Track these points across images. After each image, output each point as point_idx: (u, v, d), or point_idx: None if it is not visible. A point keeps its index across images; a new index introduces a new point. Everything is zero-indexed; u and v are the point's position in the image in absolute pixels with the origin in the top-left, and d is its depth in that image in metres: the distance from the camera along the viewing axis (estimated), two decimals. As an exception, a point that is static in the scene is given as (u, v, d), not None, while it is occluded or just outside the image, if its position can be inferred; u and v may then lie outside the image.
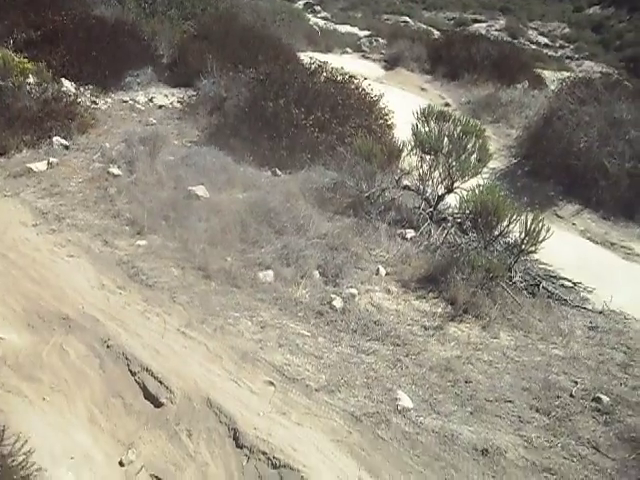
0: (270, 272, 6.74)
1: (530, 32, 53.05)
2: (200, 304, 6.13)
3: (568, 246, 9.34)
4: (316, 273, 6.84)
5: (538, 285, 7.44)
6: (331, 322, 6.11)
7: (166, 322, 5.82)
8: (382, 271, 7.17)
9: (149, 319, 5.85)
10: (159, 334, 5.64)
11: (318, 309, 6.27)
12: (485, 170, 11.07)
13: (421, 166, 8.69)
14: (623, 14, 60.80)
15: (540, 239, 6.88)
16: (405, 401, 5.12)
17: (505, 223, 7.12)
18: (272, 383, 5.17)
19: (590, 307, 7.45)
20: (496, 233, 7.24)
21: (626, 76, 35.67)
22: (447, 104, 16.54)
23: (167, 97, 12.77)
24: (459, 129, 8.30)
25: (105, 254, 6.86)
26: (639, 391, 5.78)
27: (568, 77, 16.39)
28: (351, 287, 6.72)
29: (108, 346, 5.40)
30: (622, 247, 9.94)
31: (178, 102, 12.54)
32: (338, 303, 6.34)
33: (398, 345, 5.92)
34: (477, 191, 7.21)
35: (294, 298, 6.42)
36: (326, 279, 6.82)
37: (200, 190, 8.13)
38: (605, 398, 5.53)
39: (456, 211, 8.21)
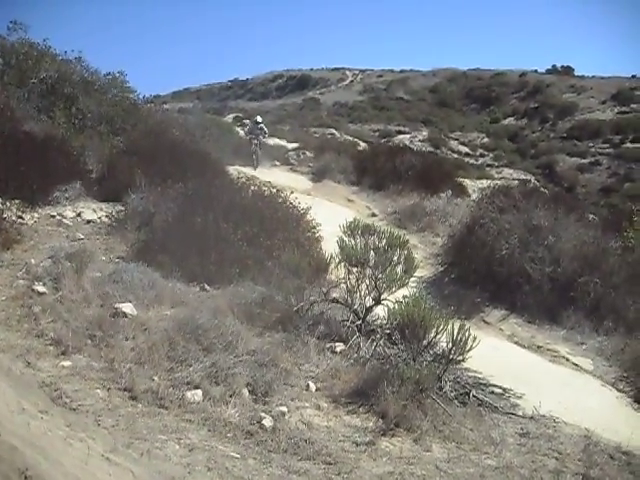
0: (199, 391, 6.60)
1: (452, 142, 55.34)
2: (126, 427, 5.92)
3: (496, 352, 9.48)
4: (245, 391, 6.73)
5: (468, 394, 7.47)
6: (261, 442, 5.97)
7: (90, 448, 5.57)
8: (312, 387, 7.11)
9: (72, 445, 5.59)
10: (82, 461, 5.40)
11: (248, 429, 6.13)
12: (413, 279, 11.24)
13: (349, 279, 8.77)
14: (535, 125, 64.29)
15: (467, 348, 6.96)
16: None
17: (432, 334, 7.19)
18: (200, 510, 4.98)
19: (520, 413, 7.51)
20: (424, 344, 7.30)
21: (543, 182, 37.48)
22: (374, 214, 16.95)
23: (95, 212, 12.71)
24: (384, 241, 8.47)
25: (27, 376, 6.61)
26: (573, 499, 5.78)
27: (488, 186, 17.05)
28: (281, 405, 6.62)
29: (26, 477, 5.13)
30: (548, 350, 10.14)
31: (106, 217, 12.49)
32: (268, 422, 6.22)
33: (330, 463, 5.80)
34: (403, 303, 7.29)
35: (223, 418, 6.27)
36: (255, 397, 6.71)
37: (127, 307, 8.01)
38: (539, 508, 5.51)
39: (385, 322, 8.26)
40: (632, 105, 63.09)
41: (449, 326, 7.10)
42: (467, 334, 6.95)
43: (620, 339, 10.32)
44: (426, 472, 5.92)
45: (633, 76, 71.82)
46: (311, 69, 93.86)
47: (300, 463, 5.76)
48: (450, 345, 7.05)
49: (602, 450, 6.81)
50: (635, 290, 11.03)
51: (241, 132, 31.71)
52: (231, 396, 6.62)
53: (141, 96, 20.92)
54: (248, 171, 19.23)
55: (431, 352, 7.58)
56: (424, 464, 6.06)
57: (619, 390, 9.19)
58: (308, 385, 7.13)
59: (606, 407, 8.52)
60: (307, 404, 6.82)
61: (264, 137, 23.96)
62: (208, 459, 5.60)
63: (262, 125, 23.92)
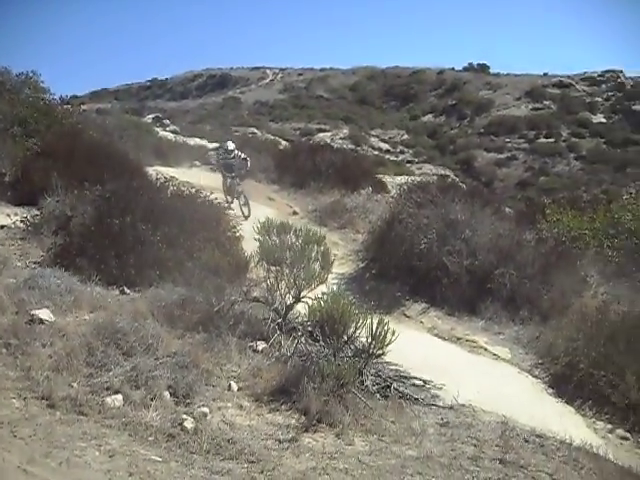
0: (119, 396, 6.51)
1: (372, 139, 55.98)
2: (44, 437, 5.79)
3: (417, 345, 9.65)
4: (166, 394, 6.67)
5: (390, 387, 7.59)
6: (183, 444, 5.93)
7: (5, 460, 5.44)
8: (234, 386, 7.10)
9: (-15, 459, 5.46)
10: (-3, 475, 5.27)
11: (169, 432, 6.08)
12: (334, 275, 11.41)
13: (268, 277, 8.79)
14: (453, 121, 65.67)
15: (387, 342, 7.07)
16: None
17: (352, 329, 7.28)
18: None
19: (441, 403, 7.69)
20: (344, 339, 7.38)
21: (462, 177, 38.29)
22: (295, 212, 17.01)
23: (9, 217, 12.31)
24: (301, 239, 8.52)
25: (-64, 390, 6.41)
26: (490, 482, 5.93)
27: (406, 182, 17.32)
28: (203, 406, 6.59)
29: None
30: (467, 341, 10.39)
31: (21, 222, 12.10)
32: (189, 424, 6.19)
33: (253, 462, 5.81)
34: (322, 299, 7.35)
35: (144, 422, 6.19)
36: (177, 399, 6.66)
37: (44, 314, 7.81)
38: (463, 493, 5.63)
39: (306, 320, 8.31)
40: (545, 102, 65.17)
41: (368, 321, 7.20)
42: (386, 328, 7.06)
43: (535, 328, 10.64)
44: (348, 466, 5.99)
45: (545, 74, 74.08)
46: (231, 68, 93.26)
47: (222, 463, 5.75)
48: (370, 340, 7.16)
49: (518, 435, 7.03)
50: (548, 280, 11.39)
51: (161, 132, 31.36)
52: (152, 399, 6.55)
53: (57, 96, 20.36)
54: (168, 171, 18.99)
55: (352, 347, 7.67)
56: (346, 458, 6.13)
57: (535, 376, 9.51)
58: (230, 385, 7.12)
59: (522, 393, 8.80)
60: (229, 404, 6.81)
61: (246, 170, 17.46)
62: (129, 464, 5.53)
63: (237, 152, 17.49)
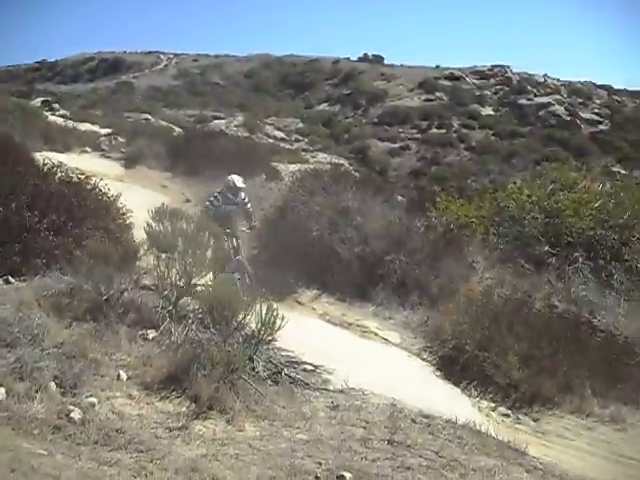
0: (1, 389, 6.29)
1: (267, 127, 55.81)
2: None
3: (309, 330, 9.78)
4: (53, 385, 6.48)
5: (280, 372, 7.65)
6: (69, 436, 5.78)
7: None
8: (123, 376, 6.98)
9: None
10: None
11: (55, 424, 5.91)
12: (228, 263, 11.33)
13: (158, 265, 8.68)
14: (348, 111, 66.43)
15: (276, 328, 7.12)
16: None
17: (241, 316, 7.29)
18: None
19: (331, 388, 7.80)
20: (234, 326, 7.38)
21: (356, 166, 38.78)
22: (188, 200, 16.85)
23: None
24: (192, 226, 8.46)
25: None
26: (378, 463, 6.06)
27: (298, 170, 17.41)
28: (91, 396, 6.44)
29: None
30: (358, 326, 10.60)
31: None
32: (77, 415, 6.04)
33: (142, 451, 5.73)
34: (211, 286, 7.34)
35: (28, 415, 6.00)
36: (64, 390, 6.48)
37: None
38: (348, 475, 5.72)
39: (197, 307, 8.26)
40: (437, 93, 66.85)
41: (258, 307, 7.23)
42: (275, 314, 7.11)
43: (424, 312, 10.99)
44: (239, 451, 6.01)
45: (437, 66, 75.97)
46: (124, 52, 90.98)
47: (111, 454, 5.64)
48: (259, 326, 7.19)
49: (406, 416, 7.23)
50: (437, 266, 11.74)
51: (50, 117, 30.21)
52: (37, 391, 6.35)
53: None
54: (57, 156, 18.36)
55: (242, 334, 7.68)
56: (237, 444, 6.15)
57: (423, 360, 9.83)
58: (119, 374, 6.99)
59: (411, 376, 9.07)
60: (118, 394, 6.69)
61: (251, 225, 12.18)
62: (11, 459, 5.34)
63: (244, 196, 11.96)
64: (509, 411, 8.72)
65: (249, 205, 11.99)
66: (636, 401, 9.20)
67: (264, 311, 7.16)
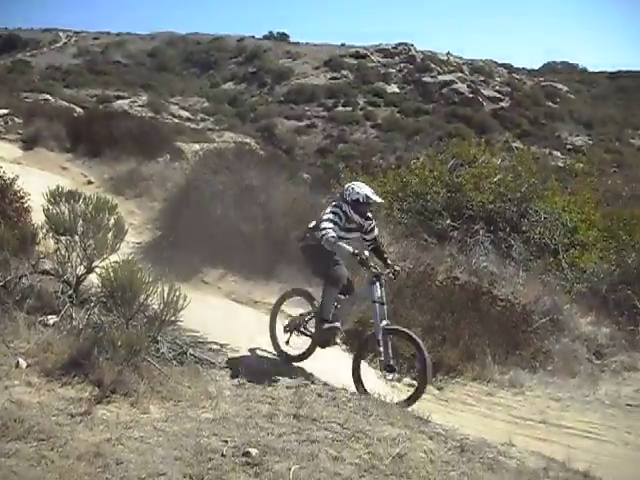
0: None
1: (172, 107, 54.95)
2: None
3: (216, 310, 9.75)
4: (-55, 376, 6.27)
5: (186, 353, 7.60)
6: (-36, 429, 5.60)
7: None
8: (22, 363, 6.76)
9: None
10: None
11: (-52, 416, 5.72)
12: (131, 245, 11.19)
13: (58, 249, 8.45)
14: (254, 89, 66.06)
15: (179, 308, 7.05)
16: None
17: (143, 297, 7.18)
18: None
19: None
20: (136, 308, 7.26)
21: (263, 144, 38.64)
22: (90, 182, 16.45)
23: None
24: (91, 207, 8.25)
25: None
26: (284, 437, 6.09)
27: (201, 149, 17.25)
28: (-14, 386, 6.25)
29: None
30: (264, 303, 10.62)
31: None
32: (-29, 406, 5.85)
33: (42, 440, 5.58)
34: (111, 268, 7.19)
35: None
36: (-43, 381, 6.28)
37: None
38: (254, 451, 5.72)
39: (99, 290, 8.09)
40: (342, 71, 67.12)
41: (160, 288, 7.14)
42: (178, 294, 7.04)
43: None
44: (144, 434, 5.94)
45: (342, 44, 76.28)
46: (19, 29, 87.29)
47: (10, 444, 5.46)
48: (162, 306, 7.11)
49: (312, 390, 7.29)
50: (342, 241, 11.84)
51: None
52: None
53: None
54: None
55: (145, 315, 7.57)
56: (142, 426, 6.07)
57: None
58: (18, 362, 6.76)
59: (318, 351, 9.14)
60: (17, 382, 6.47)
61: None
62: None
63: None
64: (414, 381, 8.91)
65: (376, 231, 8.36)
66: (533, 366, 9.63)
67: (166, 292, 7.07)
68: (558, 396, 9.02)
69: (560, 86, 71.43)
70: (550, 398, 8.96)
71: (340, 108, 59.76)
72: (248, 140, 37.38)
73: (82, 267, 8.38)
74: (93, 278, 8.42)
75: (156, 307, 7.30)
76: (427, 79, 66.97)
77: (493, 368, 9.35)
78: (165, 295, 7.03)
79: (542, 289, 11.70)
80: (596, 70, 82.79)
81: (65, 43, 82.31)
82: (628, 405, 8.86)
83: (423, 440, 6.41)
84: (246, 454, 5.68)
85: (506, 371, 9.39)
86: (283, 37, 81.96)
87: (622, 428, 8.18)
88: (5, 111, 25.81)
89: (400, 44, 74.42)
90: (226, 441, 5.91)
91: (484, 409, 8.46)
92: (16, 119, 24.30)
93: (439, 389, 8.93)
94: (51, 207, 8.39)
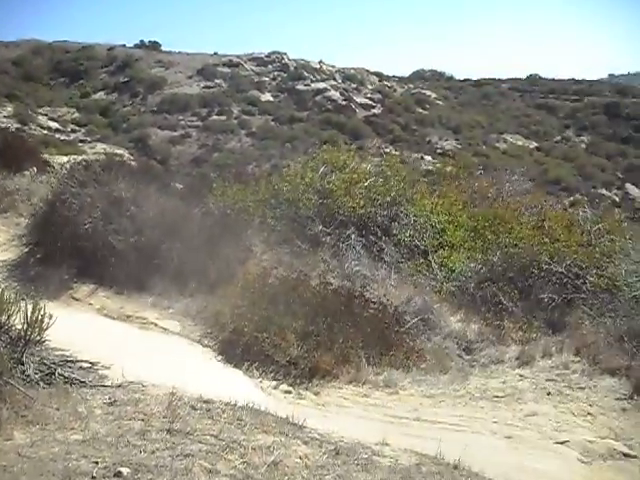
0: None
1: (40, 118, 52.97)
2: None
3: (86, 326, 9.51)
4: None
5: (54, 373, 7.34)
6: None
7: None
8: None
9: None
10: None
11: None
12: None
13: None
14: (126, 99, 64.63)
15: (44, 327, 6.83)
16: None
17: (4, 317, 6.90)
18: None
19: (109, 383, 7.59)
20: (-3, 329, 6.98)
21: (136, 155, 37.94)
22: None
23: None
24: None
25: None
26: (157, 453, 5.98)
27: (69, 161, 16.75)
28: None
29: None
30: (137, 318, 10.46)
31: None
32: None
33: None
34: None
35: None
36: None
37: None
38: (125, 470, 5.59)
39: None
40: (216, 80, 66.73)
41: (23, 307, 6.89)
42: (42, 313, 6.81)
43: (203, 299, 11.00)
44: (7, 462, 5.67)
45: (215, 53, 75.87)
46: None
47: None
48: (25, 326, 6.85)
49: (185, 403, 7.18)
50: (214, 251, 11.78)
51: None
52: None
53: None
54: None
55: (8, 336, 7.27)
56: (4, 454, 5.80)
57: (204, 345, 9.91)
58: None
59: (192, 363, 9.09)
60: None
61: None
62: None
63: None
64: (291, 387, 9.01)
65: None
66: (407, 365, 9.87)
67: (29, 311, 6.82)
68: (431, 393, 9.28)
69: (429, 93, 73.79)
70: (423, 395, 9.21)
71: (214, 117, 59.38)
72: (121, 151, 36.65)
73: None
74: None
75: (20, 327, 7.03)
76: (300, 87, 67.53)
77: (368, 370, 9.52)
78: (28, 314, 6.78)
79: (413, 290, 12.01)
80: (461, 78, 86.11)
81: None
82: (495, 397, 9.21)
83: (298, 446, 6.47)
84: (117, 474, 5.57)
85: (380, 372, 9.58)
86: (155, 46, 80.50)
87: (489, 419, 8.53)
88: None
89: (273, 52, 74.76)
90: (97, 462, 5.75)
91: (360, 411, 8.61)
92: None
93: (315, 394, 9.01)
94: None
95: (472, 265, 13.39)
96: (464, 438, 7.82)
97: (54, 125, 52.80)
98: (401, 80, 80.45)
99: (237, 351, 9.56)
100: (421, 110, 67.90)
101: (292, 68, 71.77)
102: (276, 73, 71.24)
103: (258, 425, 6.85)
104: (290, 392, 8.91)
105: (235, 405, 7.31)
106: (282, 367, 9.26)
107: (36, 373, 7.20)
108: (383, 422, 8.25)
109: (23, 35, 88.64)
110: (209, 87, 65.24)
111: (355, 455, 6.44)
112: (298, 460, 6.11)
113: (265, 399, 8.12)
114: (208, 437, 6.41)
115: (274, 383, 9.08)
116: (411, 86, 76.76)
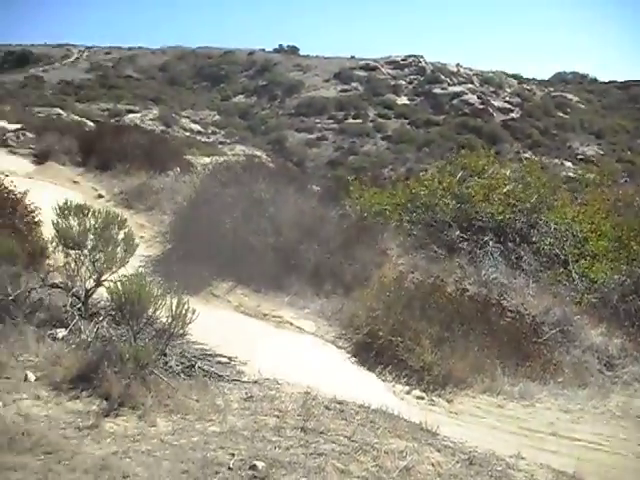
0: None
1: (183, 120, 55.30)
2: None
3: (224, 323, 9.76)
4: (-45, 390, 6.30)
5: (194, 366, 7.60)
6: (-28, 443, 5.62)
7: None
8: (31, 376, 6.80)
9: None
10: None
11: (-44, 430, 5.74)
12: (141, 258, 11.24)
13: (67, 262, 8.50)
14: (264, 102, 66.34)
15: (187, 321, 7.07)
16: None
17: (151, 310, 7.20)
18: None
19: (245, 379, 7.78)
20: (144, 321, 7.29)
21: (273, 157, 38.78)
22: (100, 195, 16.51)
23: None
24: (100, 221, 8.31)
25: None
26: (291, 450, 6.08)
27: (211, 162, 17.29)
28: (-5, 399, 6.28)
29: None
30: (273, 316, 10.64)
31: None
32: (-20, 419, 5.88)
33: (49, 453, 5.60)
34: (119, 282, 7.22)
35: None
36: (-34, 396, 6.30)
37: None
38: (260, 464, 5.72)
39: (108, 304, 8.12)
40: (352, 84, 67.43)
41: (168, 301, 7.16)
42: (186, 307, 7.06)
43: (338, 300, 11.08)
44: (151, 447, 5.94)
45: (352, 57, 76.54)
46: (32, 45, 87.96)
47: (17, 458, 5.48)
48: (170, 320, 7.13)
49: (319, 403, 7.26)
50: (350, 254, 11.86)
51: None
52: (-61, 398, 6.17)
53: None
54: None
55: (153, 329, 7.59)
56: (149, 439, 6.08)
57: (338, 347, 9.94)
58: (26, 375, 6.80)
59: (326, 364, 9.16)
60: (25, 395, 6.51)
61: None
62: None
63: None
64: (423, 393, 8.90)
65: None
66: (543, 378, 9.55)
67: (174, 305, 7.09)
68: (568, 408, 8.93)
69: (570, 96, 71.49)
70: (560, 410, 8.87)
71: (350, 120, 59.99)
72: (259, 153, 37.53)
73: (91, 281, 8.44)
74: (102, 292, 8.46)
75: (164, 320, 7.32)
76: (437, 90, 67.14)
77: (503, 380, 9.29)
78: (173, 308, 7.05)
79: (552, 300, 11.62)
80: (606, 80, 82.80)
81: (77, 58, 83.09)
82: (639, 417, 8.76)
83: (431, 453, 6.40)
84: (253, 467, 5.68)
85: (516, 383, 9.32)
86: (293, 50, 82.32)
87: (633, 440, 8.08)
88: (17, 126, 25.96)
89: (410, 56, 74.66)
90: (233, 454, 5.91)
91: (494, 421, 8.40)
92: (28, 134, 24.42)
93: (448, 401, 8.88)
94: (61, 221, 8.44)
95: (616, 277, 12.83)
96: (604, 459, 7.48)
97: (196, 127, 54.95)
98: (541, 83, 78.27)
99: (371, 354, 9.56)
100: (562, 114, 65.90)
101: (429, 71, 71.45)
102: (412, 76, 71.13)
103: (391, 429, 6.82)
104: (423, 398, 8.82)
105: (368, 408, 7.33)
106: (415, 372, 9.17)
107: (177, 365, 7.49)
108: (517, 435, 8.01)
109: (169, 42, 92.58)
110: (345, 90, 66.00)
111: (489, 466, 6.29)
112: (430, 467, 6.04)
113: (397, 403, 8.08)
114: (341, 437, 6.44)
115: (407, 388, 9.01)
116: (552, 89, 74.55)
